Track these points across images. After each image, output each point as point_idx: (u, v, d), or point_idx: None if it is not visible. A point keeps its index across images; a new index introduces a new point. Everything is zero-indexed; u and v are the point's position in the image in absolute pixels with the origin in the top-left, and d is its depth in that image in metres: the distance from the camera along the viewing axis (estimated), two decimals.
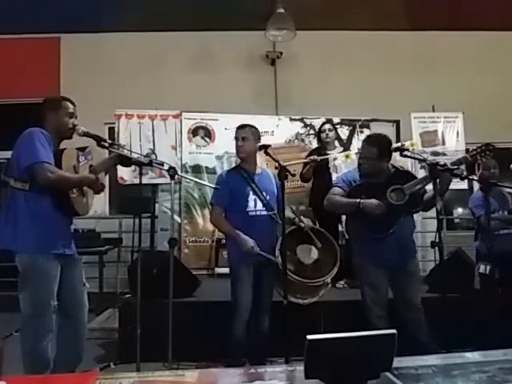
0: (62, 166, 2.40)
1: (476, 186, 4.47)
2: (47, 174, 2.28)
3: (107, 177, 2.84)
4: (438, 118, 4.86)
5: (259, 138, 2.93)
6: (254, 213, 2.84)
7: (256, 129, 2.95)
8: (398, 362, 1.28)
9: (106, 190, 2.70)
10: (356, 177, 2.90)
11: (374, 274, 2.79)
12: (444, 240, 3.77)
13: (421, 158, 2.81)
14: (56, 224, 2.41)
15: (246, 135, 2.88)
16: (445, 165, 2.71)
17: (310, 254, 3.04)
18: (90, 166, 2.63)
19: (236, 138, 2.92)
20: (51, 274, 2.38)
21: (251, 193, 2.85)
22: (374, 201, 2.69)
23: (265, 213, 2.86)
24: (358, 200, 2.71)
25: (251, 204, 2.84)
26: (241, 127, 2.94)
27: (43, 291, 2.35)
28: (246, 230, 2.77)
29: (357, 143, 4.91)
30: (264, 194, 2.88)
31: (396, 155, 2.90)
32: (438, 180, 2.58)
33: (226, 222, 2.86)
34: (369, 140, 2.86)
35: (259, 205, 2.85)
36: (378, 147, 2.79)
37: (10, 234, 2.34)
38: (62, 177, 2.35)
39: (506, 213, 3.28)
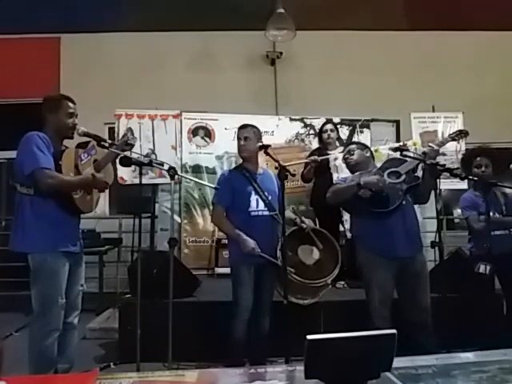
0: (63, 167, 2.44)
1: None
2: (48, 181, 2.35)
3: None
4: (437, 118, 4.85)
5: (261, 138, 2.93)
6: (256, 213, 2.83)
7: (258, 129, 2.95)
8: (398, 361, 1.28)
9: (106, 190, 2.71)
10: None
11: (380, 269, 2.70)
12: (444, 240, 3.78)
13: (420, 158, 2.81)
14: (62, 224, 2.48)
15: (249, 135, 2.88)
16: (444, 165, 2.74)
17: (311, 254, 3.03)
18: (95, 160, 2.65)
19: (238, 138, 2.92)
20: (60, 272, 2.44)
21: (253, 193, 2.84)
22: (373, 177, 2.72)
23: (267, 213, 2.84)
24: (358, 179, 2.72)
25: (253, 204, 2.83)
26: (243, 127, 2.93)
27: (51, 288, 2.41)
28: (247, 230, 2.76)
29: None
30: (266, 194, 2.87)
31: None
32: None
33: (228, 222, 2.84)
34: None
35: (261, 205, 2.84)
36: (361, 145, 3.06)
37: (20, 237, 2.42)
38: (62, 181, 2.41)
39: (496, 214, 3.27)
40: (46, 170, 2.35)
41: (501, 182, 3.02)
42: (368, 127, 5.25)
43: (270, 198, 2.88)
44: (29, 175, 2.35)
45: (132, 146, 2.77)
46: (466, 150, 4.29)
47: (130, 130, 4.48)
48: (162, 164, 2.83)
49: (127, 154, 2.78)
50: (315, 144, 4.69)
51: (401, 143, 4.49)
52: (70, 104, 2.57)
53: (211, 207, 3.20)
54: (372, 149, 3.21)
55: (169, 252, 2.80)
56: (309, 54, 6.18)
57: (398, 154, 2.88)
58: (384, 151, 4.35)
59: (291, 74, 6.22)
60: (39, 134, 2.42)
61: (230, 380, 1.41)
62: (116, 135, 4.59)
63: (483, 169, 3.28)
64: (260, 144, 2.85)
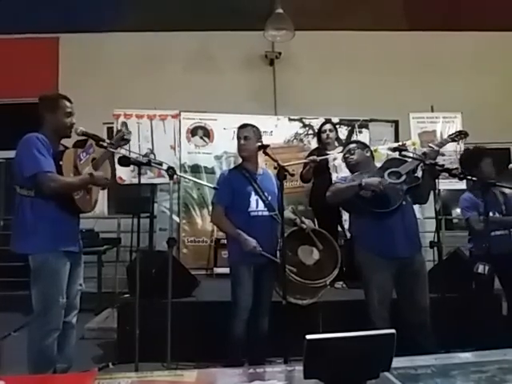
0: (63, 169, 2.44)
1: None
2: (50, 184, 2.36)
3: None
4: (436, 118, 4.85)
5: (260, 138, 2.92)
6: (255, 213, 2.82)
7: (257, 128, 2.94)
8: (397, 361, 1.28)
9: (105, 190, 2.71)
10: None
11: (379, 269, 2.70)
12: (443, 240, 3.77)
13: (419, 158, 2.81)
14: (63, 224, 2.48)
15: (248, 134, 2.87)
16: (443, 165, 2.74)
17: (311, 255, 3.03)
18: (93, 159, 2.65)
19: (238, 138, 2.91)
20: (61, 271, 2.45)
21: (253, 193, 2.83)
22: (374, 178, 2.71)
23: (266, 213, 2.84)
24: (359, 180, 2.71)
25: (253, 204, 2.82)
26: (242, 126, 2.93)
27: (53, 288, 2.42)
28: (247, 230, 2.75)
29: None
30: (266, 194, 2.86)
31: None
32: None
33: (228, 222, 2.83)
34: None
35: (261, 205, 2.83)
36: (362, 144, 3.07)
37: (22, 239, 2.43)
38: (64, 184, 2.42)
39: (496, 214, 3.27)
40: (48, 174, 2.35)
41: (499, 182, 3.03)
42: (367, 127, 5.25)
43: (269, 198, 2.87)
44: (30, 178, 2.36)
45: (128, 140, 2.77)
46: (465, 150, 4.29)
47: (124, 124, 4.49)
48: (160, 164, 2.82)
49: (126, 153, 2.77)
50: (314, 144, 4.68)
51: (400, 143, 4.49)
52: (68, 103, 2.56)
53: (210, 207, 3.20)
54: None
55: (167, 252, 2.79)
56: (307, 54, 6.19)
57: (396, 154, 2.88)
58: (383, 151, 4.36)
59: (290, 74, 6.23)
60: (38, 135, 2.42)
61: (228, 380, 1.41)
62: (114, 135, 4.58)
63: (493, 168, 3.30)
64: (259, 144, 2.85)
